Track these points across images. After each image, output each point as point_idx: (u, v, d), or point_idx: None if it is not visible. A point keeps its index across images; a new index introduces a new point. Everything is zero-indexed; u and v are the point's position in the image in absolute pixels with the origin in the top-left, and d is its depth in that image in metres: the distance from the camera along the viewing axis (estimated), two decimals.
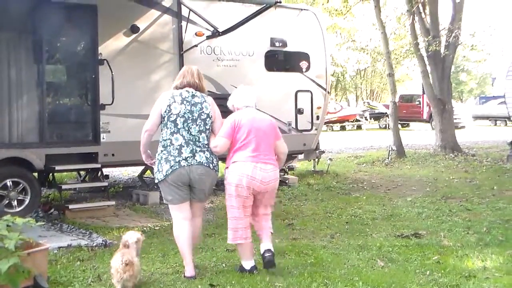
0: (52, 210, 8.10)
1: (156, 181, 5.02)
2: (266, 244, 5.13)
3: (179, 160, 4.88)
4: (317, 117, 10.98)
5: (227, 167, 5.07)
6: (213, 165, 5.03)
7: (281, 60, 10.58)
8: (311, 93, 10.87)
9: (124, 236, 4.83)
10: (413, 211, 8.11)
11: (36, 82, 8.19)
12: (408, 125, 31.86)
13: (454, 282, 4.76)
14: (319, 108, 11.01)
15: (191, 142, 4.94)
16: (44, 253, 4.67)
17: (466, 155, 15.24)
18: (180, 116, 4.93)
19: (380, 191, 10.26)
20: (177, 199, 4.97)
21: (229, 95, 5.45)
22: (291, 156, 10.94)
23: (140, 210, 8.47)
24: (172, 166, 4.87)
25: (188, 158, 4.90)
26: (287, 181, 10.69)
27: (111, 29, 8.50)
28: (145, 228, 7.00)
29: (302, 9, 11.02)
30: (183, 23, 9.12)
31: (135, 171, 11.57)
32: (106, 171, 9.35)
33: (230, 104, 5.33)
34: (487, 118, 34.86)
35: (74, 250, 5.95)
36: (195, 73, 5.15)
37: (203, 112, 5.01)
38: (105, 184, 8.67)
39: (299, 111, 10.71)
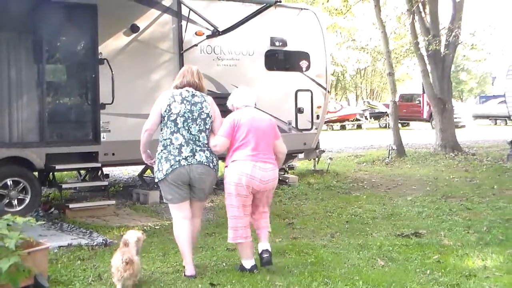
0: (52, 209, 8.11)
1: (156, 180, 5.02)
2: (264, 244, 5.16)
3: (179, 160, 4.89)
4: (317, 117, 10.98)
5: (226, 166, 5.08)
6: (213, 164, 5.04)
7: (281, 59, 10.57)
8: (311, 92, 10.87)
9: (124, 235, 4.84)
10: (413, 210, 8.12)
11: (36, 81, 8.19)
12: (408, 125, 31.84)
13: (455, 281, 4.76)
14: (319, 107, 11.00)
15: (191, 142, 4.95)
16: (44, 252, 4.68)
17: (466, 154, 15.23)
18: (180, 115, 4.93)
19: (380, 190, 10.26)
20: (177, 198, 4.97)
21: (229, 94, 5.46)
22: (291, 155, 10.94)
23: (141, 209, 8.47)
24: (172, 165, 4.88)
25: (188, 158, 4.91)
26: (287, 180, 10.69)
27: (111, 29, 8.50)
28: (145, 227, 7.01)
29: (302, 9, 11.02)
30: (183, 23, 9.12)
31: (135, 170, 11.58)
32: (106, 170, 9.35)
33: (229, 104, 5.34)
34: (487, 117, 34.85)
35: (74, 249, 5.96)
36: (195, 72, 5.16)
37: (203, 111, 5.01)
38: (105, 183, 8.67)
39: (299, 110, 10.71)
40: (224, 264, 5.36)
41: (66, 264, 5.36)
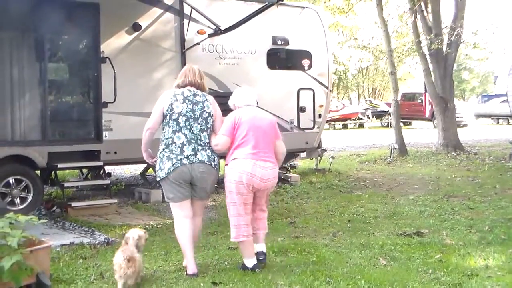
0: (54, 208, 8.12)
1: (158, 179, 5.03)
2: (261, 246, 5.23)
3: (181, 158, 4.89)
4: (319, 115, 10.97)
5: (226, 164, 5.09)
6: (215, 163, 5.05)
7: (283, 58, 10.57)
8: (313, 91, 10.86)
9: (127, 233, 4.85)
10: (415, 209, 8.11)
11: (39, 80, 8.20)
12: (410, 124, 31.82)
13: (457, 280, 4.76)
14: (321, 106, 11.00)
15: (193, 141, 4.96)
16: (46, 250, 4.68)
17: (468, 153, 15.22)
18: (182, 114, 4.94)
19: (382, 189, 10.25)
20: (179, 197, 4.98)
21: (231, 93, 5.46)
22: (293, 154, 10.95)
23: (143, 208, 8.48)
24: (174, 164, 4.88)
25: (190, 156, 4.91)
26: (289, 179, 10.69)
27: (113, 27, 8.50)
28: (147, 226, 7.01)
29: (304, 7, 11.01)
30: (185, 21, 9.12)
31: (137, 169, 11.58)
32: (108, 169, 9.35)
33: (231, 103, 5.35)
34: (489, 116, 34.77)
35: (76, 247, 5.97)
36: (197, 72, 5.17)
37: (204, 111, 5.02)
38: (108, 182, 8.67)
39: (301, 109, 10.71)
40: (226, 263, 5.36)
41: (68, 263, 5.37)
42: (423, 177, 11.59)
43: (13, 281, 4.15)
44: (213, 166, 5.03)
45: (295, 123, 10.65)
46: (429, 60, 15.90)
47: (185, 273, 4.95)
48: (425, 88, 18.01)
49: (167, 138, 4.97)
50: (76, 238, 6.37)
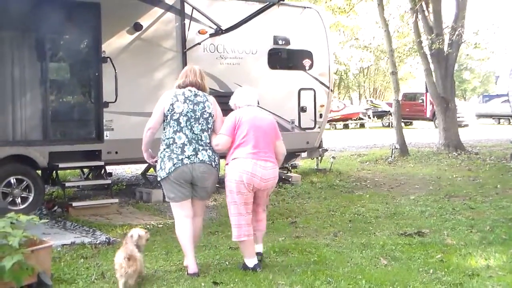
0: (55, 208, 8.13)
1: (159, 178, 5.04)
2: (258, 246, 5.25)
3: (182, 158, 4.90)
4: (320, 115, 10.97)
5: (227, 164, 5.09)
6: (215, 163, 5.07)
7: (284, 58, 10.58)
8: (314, 91, 10.86)
9: (128, 233, 4.86)
10: (416, 209, 8.11)
11: (40, 80, 8.21)
12: (411, 124, 31.82)
13: (458, 280, 4.75)
14: (322, 106, 11.00)
15: (194, 141, 4.96)
16: (47, 250, 4.68)
17: (470, 153, 15.21)
18: (183, 115, 4.94)
19: (383, 189, 10.25)
20: (179, 197, 4.99)
21: (232, 93, 5.47)
22: (294, 154, 10.95)
23: (144, 208, 8.48)
24: (175, 164, 4.89)
25: (190, 156, 4.92)
26: (290, 179, 10.69)
27: (114, 27, 8.51)
28: (148, 226, 7.02)
29: (305, 7, 11.01)
30: (186, 21, 9.13)
31: (138, 169, 11.59)
32: (109, 168, 9.35)
33: (232, 103, 5.36)
34: (491, 116, 34.76)
35: (77, 247, 5.97)
36: (198, 72, 5.17)
37: (205, 111, 5.03)
38: (109, 181, 8.67)
39: (302, 109, 10.71)
40: (227, 262, 5.36)
41: (69, 262, 5.38)
42: (424, 177, 11.58)
43: (14, 281, 4.16)
44: (214, 166, 5.04)
45: (296, 123, 10.65)
46: (430, 60, 15.89)
47: (186, 273, 4.95)
48: (426, 88, 18.01)
49: (168, 138, 4.97)
50: (77, 238, 6.38)
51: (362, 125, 32.17)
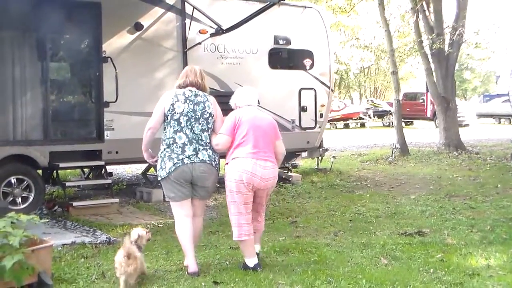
0: (56, 207, 8.14)
1: (159, 178, 5.04)
2: (257, 246, 5.25)
3: (182, 158, 4.91)
4: (321, 115, 10.97)
5: (227, 163, 5.09)
6: (215, 163, 5.08)
7: (284, 57, 10.58)
8: (315, 91, 10.86)
9: (130, 232, 4.87)
10: (416, 209, 8.11)
11: (40, 79, 8.22)
12: (412, 123, 31.80)
13: (458, 280, 4.75)
14: (322, 106, 11.00)
15: (194, 141, 4.97)
16: (48, 250, 4.69)
17: (470, 153, 15.20)
18: (184, 115, 4.95)
19: (383, 189, 10.25)
20: (179, 196, 4.99)
21: (233, 93, 5.47)
22: (294, 153, 10.95)
23: (144, 208, 8.48)
24: (175, 163, 4.90)
25: (191, 156, 4.93)
26: (290, 179, 10.69)
27: (115, 27, 8.51)
28: (148, 226, 7.02)
29: (305, 7, 11.01)
30: (187, 21, 9.12)
31: (139, 168, 11.60)
32: (109, 168, 9.36)
33: (232, 103, 5.37)
34: (491, 116, 34.76)
35: (78, 247, 5.98)
36: (198, 72, 5.18)
37: (205, 111, 5.03)
38: (109, 181, 8.67)
39: (302, 109, 10.71)
40: (227, 262, 5.37)
41: (69, 262, 5.38)
42: (424, 176, 11.58)
43: (15, 281, 4.16)
44: (214, 165, 5.05)
45: (297, 123, 10.64)
46: (430, 60, 15.89)
47: (186, 273, 4.95)
48: (427, 87, 18.04)
49: (169, 138, 4.98)
50: (78, 237, 6.38)
51: (362, 125, 32.16)
